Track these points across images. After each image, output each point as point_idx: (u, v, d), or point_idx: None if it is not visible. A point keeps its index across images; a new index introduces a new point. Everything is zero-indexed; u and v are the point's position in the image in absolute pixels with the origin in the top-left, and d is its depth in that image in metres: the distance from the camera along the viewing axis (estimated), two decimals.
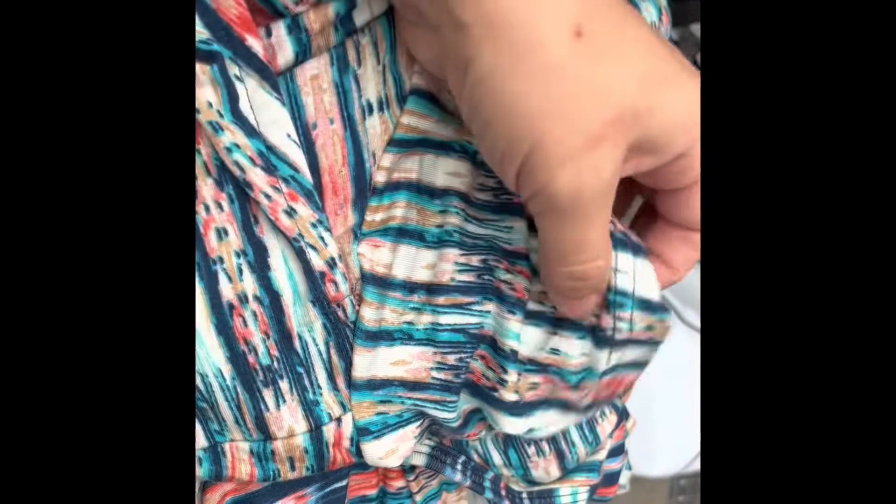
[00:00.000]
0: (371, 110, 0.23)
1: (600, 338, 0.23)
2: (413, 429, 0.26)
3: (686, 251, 0.23)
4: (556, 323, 0.24)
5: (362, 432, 0.26)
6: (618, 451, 0.34)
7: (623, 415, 0.34)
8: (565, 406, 0.25)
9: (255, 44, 0.20)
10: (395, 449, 0.26)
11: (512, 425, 0.25)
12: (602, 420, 0.32)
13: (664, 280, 0.23)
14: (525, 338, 0.24)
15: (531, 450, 0.30)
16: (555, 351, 0.24)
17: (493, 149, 0.19)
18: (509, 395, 0.25)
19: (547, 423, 0.25)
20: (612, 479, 0.35)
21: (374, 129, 0.23)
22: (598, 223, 0.19)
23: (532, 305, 0.24)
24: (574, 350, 0.24)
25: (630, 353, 0.24)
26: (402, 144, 0.24)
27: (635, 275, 0.23)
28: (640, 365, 0.25)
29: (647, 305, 0.23)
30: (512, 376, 0.24)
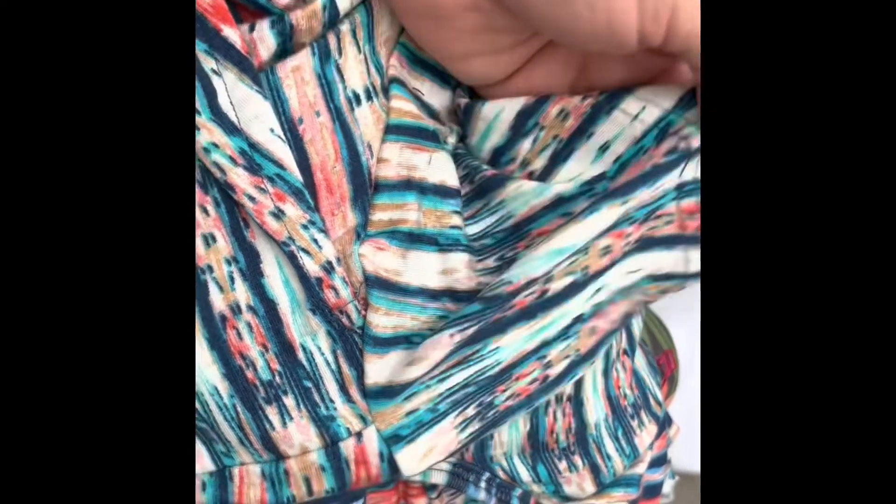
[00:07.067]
0: (359, 100, 0.21)
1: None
2: (451, 420, 0.23)
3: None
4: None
5: (393, 440, 0.23)
6: (660, 461, 0.32)
7: (665, 423, 0.31)
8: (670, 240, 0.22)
9: (231, 34, 0.18)
10: (433, 447, 0.23)
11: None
12: (640, 431, 0.29)
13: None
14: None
15: (562, 465, 0.28)
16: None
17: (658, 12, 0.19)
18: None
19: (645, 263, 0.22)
20: (654, 490, 0.32)
21: (366, 119, 0.22)
22: None
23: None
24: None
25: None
26: (401, 131, 0.22)
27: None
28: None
29: None
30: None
